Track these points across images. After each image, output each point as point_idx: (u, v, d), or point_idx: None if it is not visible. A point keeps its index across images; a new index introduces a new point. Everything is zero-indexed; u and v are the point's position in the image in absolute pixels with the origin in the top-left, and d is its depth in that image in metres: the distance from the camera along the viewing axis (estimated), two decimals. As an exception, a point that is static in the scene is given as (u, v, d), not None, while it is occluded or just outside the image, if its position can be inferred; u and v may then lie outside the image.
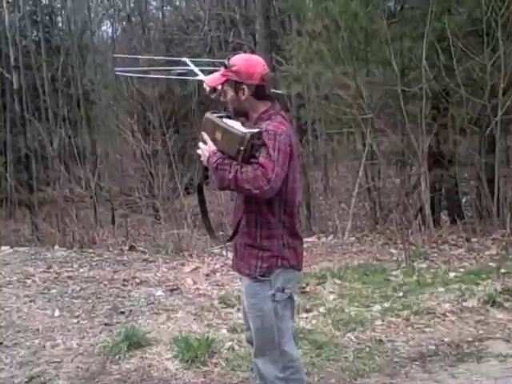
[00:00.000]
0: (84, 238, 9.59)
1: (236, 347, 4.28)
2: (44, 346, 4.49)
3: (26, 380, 3.95)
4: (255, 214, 2.72)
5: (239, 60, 2.78)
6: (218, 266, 6.71)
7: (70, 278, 6.28)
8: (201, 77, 3.16)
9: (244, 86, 2.72)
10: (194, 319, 4.90)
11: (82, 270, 6.65)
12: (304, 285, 5.50)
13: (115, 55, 4.69)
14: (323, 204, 11.08)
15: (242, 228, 2.78)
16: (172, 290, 5.76)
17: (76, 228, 10.18)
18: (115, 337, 4.44)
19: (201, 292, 5.65)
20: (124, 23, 26.32)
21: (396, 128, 9.34)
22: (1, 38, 19.57)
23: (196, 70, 3.26)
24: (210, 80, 2.88)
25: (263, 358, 2.85)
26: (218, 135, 2.64)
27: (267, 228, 2.72)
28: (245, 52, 3.13)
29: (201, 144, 2.74)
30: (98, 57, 27.03)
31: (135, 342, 4.31)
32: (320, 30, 8.01)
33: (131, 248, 8.16)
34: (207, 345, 4.17)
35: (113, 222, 18.25)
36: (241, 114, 2.80)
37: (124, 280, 6.09)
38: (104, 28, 29.73)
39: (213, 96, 2.94)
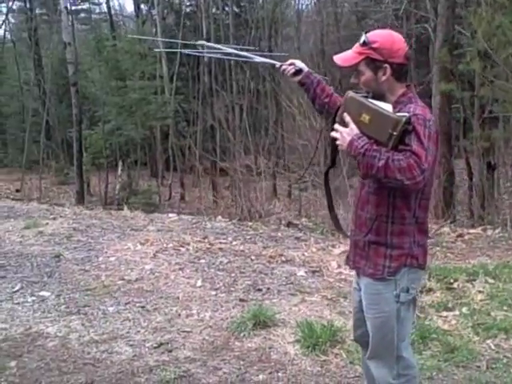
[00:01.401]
0: (250, 211, 9.86)
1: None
2: (179, 315, 4.69)
3: (156, 345, 4.15)
4: (388, 208, 2.50)
5: (381, 36, 2.53)
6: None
7: (221, 249, 6.47)
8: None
9: (386, 65, 2.48)
10: (328, 304, 4.78)
11: (234, 243, 6.82)
12: (452, 280, 5.10)
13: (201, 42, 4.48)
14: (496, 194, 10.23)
15: (368, 222, 2.57)
16: (314, 272, 5.67)
17: (243, 200, 10.48)
18: (244, 314, 4.48)
19: (342, 277, 5.49)
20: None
21: None
22: (196, 11, 20.58)
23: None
24: (343, 59, 2.60)
25: (377, 362, 2.69)
26: (366, 117, 2.40)
27: (400, 224, 2.50)
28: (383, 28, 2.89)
29: (338, 126, 2.48)
30: (291, 30, 27.46)
31: (262, 322, 4.32)
32: (503, 1, 7.24)
33: (289, 224, 8.19)
34: (331, 333, 4.04)
35: (289, 195, 18.65)
36: (377, 97, 2.53)
37: (270, 257, 6.12)
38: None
39: (353, 79, 2.71)
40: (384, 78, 2.50)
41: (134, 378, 3.72)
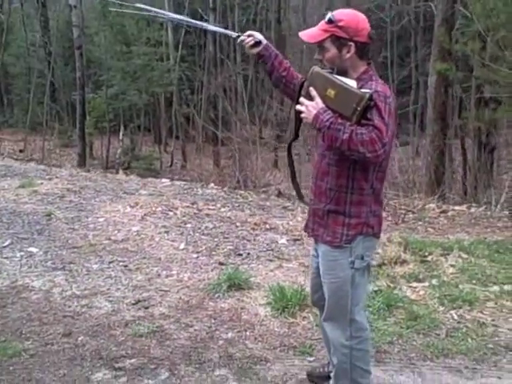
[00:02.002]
0: (245, 181, 9.99)
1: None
2: (159, 275, 4.87)
3: (133, 302, 4.34)
4: (347, 179, 2.61)
5: (347, 15, 2.61)
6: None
7: (208, 215, 6.64)
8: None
9: (351, 43, 2.57)
10: (303, 271, 4.95)
11: (222, 210, 6.98)
12: (426, 254, 5.26)
13: (137, 5, 4.65)
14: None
15: (328, 193, 2.68)
16: (295, 240, 5.83)
17: (238, 170, 10.62)
18: (221, 276, 4.66)
19: (322, 246, 5.64)
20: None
21: None
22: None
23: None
24: (309, 35, 2.67)
25: (332, 324, 2.84)
26: (331, 92, 2.48)
27: (358, 194, 2.62)
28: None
29: (304, 100, 2.55)
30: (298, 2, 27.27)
31: (236, 284, 4.49)
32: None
33: (279, 194, 8.34)
34: (301, 297, 4.21)
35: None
36: (340, 73, 2.61)
37: (255, 224, 6.29)
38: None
39: (316, 56, 2.80)
40: (348, 55, 2.60)
41: (110, 331, 3.90)
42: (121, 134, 17.44)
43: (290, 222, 6.48)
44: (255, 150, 13.24)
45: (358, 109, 2.40)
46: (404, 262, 5.10)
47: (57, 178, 8.75)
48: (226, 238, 5.86)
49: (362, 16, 2.68)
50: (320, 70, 2.58)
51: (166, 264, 5.11)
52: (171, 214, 6.59)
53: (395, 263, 5.07)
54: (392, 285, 4.65)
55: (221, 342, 3.77)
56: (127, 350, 3.65)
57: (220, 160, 18.22)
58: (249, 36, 2.91)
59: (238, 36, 2.95)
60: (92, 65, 22.91)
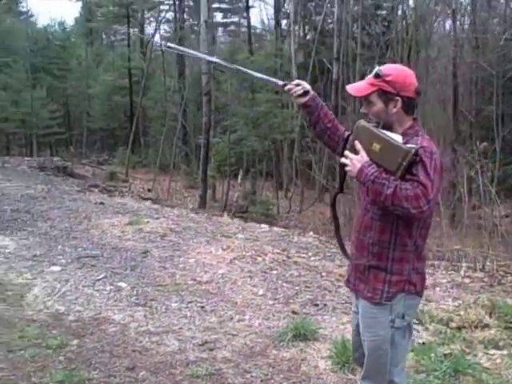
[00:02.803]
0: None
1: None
2: (232, 318, 4.97)
3: (200, 343, 4.47)
4: (390, 235, 2.60)
5: (394, 70, 2.65)
6: (440, 280, 6.38)
7: (295, 263, 6.69)
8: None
9: (397, 98, 2.60)
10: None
11: (312, 259, 7.00)
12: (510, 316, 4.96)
13: (169, 44, 4.78)
14: None
15: (371, 248, 2.66)
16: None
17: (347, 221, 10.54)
18: (289, 325, 4.67)
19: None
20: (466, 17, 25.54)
21: None
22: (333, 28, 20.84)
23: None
24: (356, 89, 2.73)
25: (369, 383, 2.80)
26: (376, 146, 2.51)
27: (401, 250, 2.60)
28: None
29: (349, 153, 2.58)
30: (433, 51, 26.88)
31: (302, 334, 4.49)
32: None
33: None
34: (364, 354, 4.12)
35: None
36: (385, 128, 2.63)
37: (340, 275, 6.23)
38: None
39: (363, 109, 2.84)
40: (394, 110, 2.62)
41: (171, 369, 4.05)
42: (239, 178, 17.97)
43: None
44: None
45: (404, 164, 2.41)
46: (486, 326, 4.83)
47: (164, 217, 9.21)
48: (308, 287, 5.86)
49: (409, 71, 2.70)
50: (366, 124, 2.61)
51: (241, 308, 5.20)
52: (260, 259, 6.71)
53: (476, 327, 4.82)
54: (467, 350, 4.42)
55: (274, 392, 3.78)
56: (182, 390, 3.77)
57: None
58: (297, 85, 2.94)
59: (285, 84, 3.00)
60: (221, 110, 23.94)
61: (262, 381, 3.92)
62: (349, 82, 21.02)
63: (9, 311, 5.06)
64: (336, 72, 19.73)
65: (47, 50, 38.20)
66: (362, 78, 2.90)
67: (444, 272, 6.84)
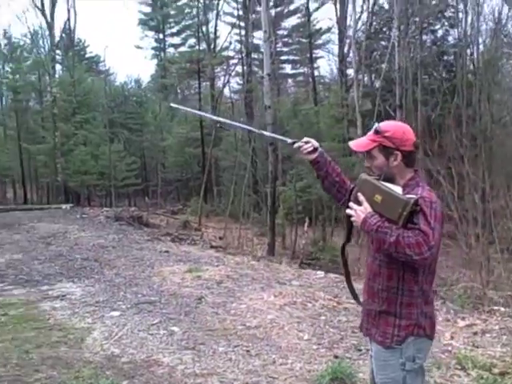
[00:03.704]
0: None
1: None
2: (274, 362, 5.14)
3: (241, 385, 4.67)
4: (398, 281, 2.75)
5: (392, 126, 2.86)
6: (493, 326, 6.30)
7: (345, 309, 6.79)
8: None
9: (397, 152, 2.79)
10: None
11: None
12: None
13: (172, 104, 4.97)
14: None
15: (380, 293, 2.80)
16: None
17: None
18: (328, 368, 4.80)
19: (448, 348, 5.48)
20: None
21: None
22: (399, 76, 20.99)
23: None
24: (359, 145, 2.94)
25: None
26: (378, 198, 2.71)
27: (408, 296, 2.74)
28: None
29: (353, 204, 2.77)
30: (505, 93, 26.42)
31: (339, 378, 4.60)
32: None
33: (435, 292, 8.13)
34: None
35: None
36: (387, 180, 2.82)
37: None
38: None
39: (366, 163, 3.06)
40: (395, 163, 2.81)
41: (208, 410, 4.26)
42: (305, 225, 18.13)
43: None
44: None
45: (404, 213, 2.59)
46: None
47: (224, 265, 9.51)
48: (354, 332, 5.94)
49: (406, 127, 2.91)
50: (368, 177, 2.83)
51: (285, 352, 5.36)
52: (310, 305, 6.85)
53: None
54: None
55: (307, 433, 3.91)
56: (219, 429, 3.96)
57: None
58: (306, 142, 3.15)
59: (294, 142, 3.21)
60: (288, 159, 24.33)
61: (294, 422, 4.06)
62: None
63: (68, 353, 5.43)
64: (399, 119, 19.81)
65: (124, 106, 40.21)
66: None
67: (499, 318, 6.74)
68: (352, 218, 2.78)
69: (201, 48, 36.14)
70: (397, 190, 2.70)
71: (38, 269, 9.29)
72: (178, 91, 51.68)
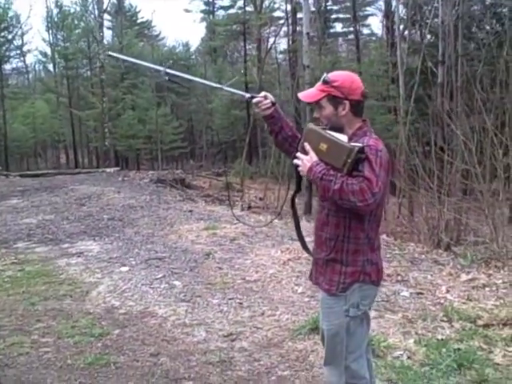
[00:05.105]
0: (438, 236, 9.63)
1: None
2: (263, 314, 5.27)
3: (225, 335, 4.84)
4: (344, 229, 2.80)
5: (341, 76, 2.87)
6: (496, 281, 6.21)
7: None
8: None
9: (345, 102, 2.81)
10: (400, 323, 4.91)
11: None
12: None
13: (109, 53, 4.74)
14: None
15: (328, 242, 2.85)
16: (418, 293, 5.74)
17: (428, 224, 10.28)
18: (309, 319, 4.88)
19: (441, 301, 5.47)
20: None
21: None
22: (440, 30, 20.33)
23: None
24: (307, 96, 2.94)
25: (329, 369, 3.00)
26: (324, 146, 2.74)
27: (354, 243, 2.80)
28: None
29: (300, 154, 2.80)
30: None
31: (318, 328, 4.66)
32: None
33: (447, 248, 8.08)
34: (376, 346, 4.26)
35: None
36: (336, 130, 2.83)
37: (388, 275, 6.28)
38: None
39: (315, 114, 3.08)
40: (343, 112, 2.83)
41: (189, 356, 4.43)
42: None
43: (429, 276, 6.34)
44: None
45: (348, 161, 2.62)
46: (516, 324, 4.75)
47: (242, 222, 9.63)
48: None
49: (355, 76, 2.92)
50: (313, 127, 2.86)
51: (276, 305, 5.47)
52: (314, 260, 6.90)
53: (504, 325, 4.76)
54: (484, 346, 4.41)
55: (273, 378, 4.05)
56: (191, 374, 4.14)
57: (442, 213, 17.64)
58: (265, 98, 3.12)
59: (252, 97, 3.18)
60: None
61: (266, 368, 4.19)
62: (453, 85, 20.53)
63: (71, 305, 5.71)
64: (441, 75, 19.26)
65: (172, 69, 40.45)
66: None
67: (506, 273, 6.64)
68: (299, 168, 2.82)
69: (248, 9, 35.85)
70: (342, 138, 2.72)
71: (64, 228, 9.66)
72: (228, 53, 51.61)
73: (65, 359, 4.41)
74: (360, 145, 2.63)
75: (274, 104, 3.13)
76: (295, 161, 2.85)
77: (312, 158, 2.74)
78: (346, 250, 2.80)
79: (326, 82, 2.84)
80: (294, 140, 3.14)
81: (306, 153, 2.79)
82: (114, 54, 4.90)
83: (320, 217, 2.93)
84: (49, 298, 5.95)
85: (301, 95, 3.01)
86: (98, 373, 4.18)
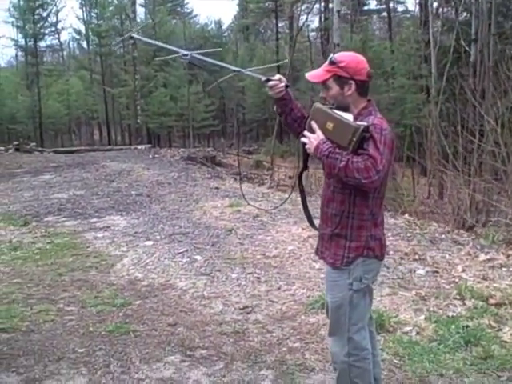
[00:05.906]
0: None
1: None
2: (279, 288, 5.41)
3: (241, 307, 4.99)
4: (349, 205, 2.90)
5: (347, 57, 2.95)
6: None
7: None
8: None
9: (351, 82, 2.89)
10: (413, 301, 4.99)
11: (390, 238, 7.10)
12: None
13: (133, 35, 4.65)
14: None
15: (334, 218, 2.94)
16: (434, 272, 5.80)
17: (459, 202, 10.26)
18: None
19: (456, 280, 5.53)
20: None
21: None
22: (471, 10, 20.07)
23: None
24: (314, 75, 3.02)
25: (333, 340, 3.13)
26: (330, 125, 2.83)
27: (359, 219, 2.90)
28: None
29: (307, 132, 2.87)
30: None
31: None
32: None
33: (469, 229, 8.08)
34: (381, 321, 4.38)
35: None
36: (342, 109, 2.92)
37: (405, 253, 6.36)
38: None
39: (321, 94, 3.18)
40: (349, 92, 2.92)
41: (205, 327, 4.61)
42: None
43: (447, 256, 6.40)
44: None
45: (354, 139, 2.73)
46: (530, 303, 4.80)
47: (267, 200, 9.77)
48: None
49: (361, 57, 3.00)
50: (320, 106, 2.96)
51: (292, 280, 5.61)
52: (334, 237, 7.00)
53: (517, 303, 4.82)
54: (494, 324, 4.48)
55: (284, 349, 4.19)
56: (205, 343, 4.31)
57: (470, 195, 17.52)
58: (279, 81, 3.16)
59: (268, 80, 3.19)
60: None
61: (278, 340, 4.34)
62: (485, 65, 20.21)
63: (96, 277, 5.94)
64: (474, 53, 18.99)
65: (204, 48, 40.56)
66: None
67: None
68: (306, 146, 2.92)
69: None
70: (348, 117, 2.82)
71: (93, 203, 9.93)
72: (262, 31, 51.45)
73: (87, 327, 4.62)
74: (365, 124, 2.72)
75: (287, 86, 3.21)
76: (302, 139, 2.94)
77: (319, 136, 2.84)
78: (351, 225, 2.90)
79: (332, 63, 2.92)
80: (303, 120, 3.23)
81: (313, 131, 2.89)
82: (137, 36, 4.99)
83: (326, 193, 3.03)
84: (75, 269, 6.19)
85: (308, 75, 3.09)
86: (118, 340, 4.37)
